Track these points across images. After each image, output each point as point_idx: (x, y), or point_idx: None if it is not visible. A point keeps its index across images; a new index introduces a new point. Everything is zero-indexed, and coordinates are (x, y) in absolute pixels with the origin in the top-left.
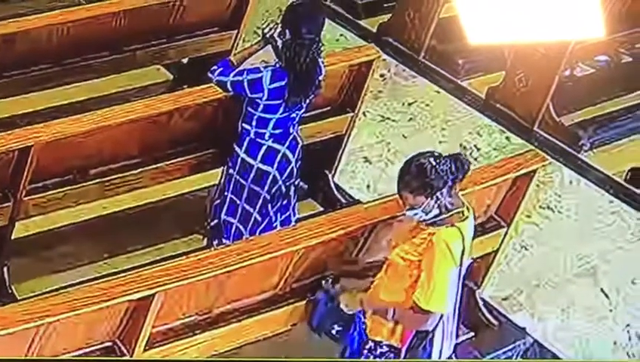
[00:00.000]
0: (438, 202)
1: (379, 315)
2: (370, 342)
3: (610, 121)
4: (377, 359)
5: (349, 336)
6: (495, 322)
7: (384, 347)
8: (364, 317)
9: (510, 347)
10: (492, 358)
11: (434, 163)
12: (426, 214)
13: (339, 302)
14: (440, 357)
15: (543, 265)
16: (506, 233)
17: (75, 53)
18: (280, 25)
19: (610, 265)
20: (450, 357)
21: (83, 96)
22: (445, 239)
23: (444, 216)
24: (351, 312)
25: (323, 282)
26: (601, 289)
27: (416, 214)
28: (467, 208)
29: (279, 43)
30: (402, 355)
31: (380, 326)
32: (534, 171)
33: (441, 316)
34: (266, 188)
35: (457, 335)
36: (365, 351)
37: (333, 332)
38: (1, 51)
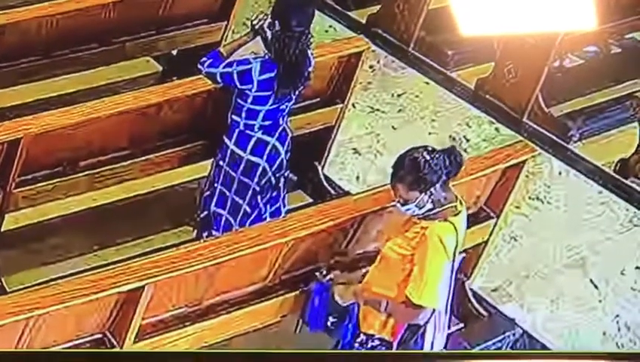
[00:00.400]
0: (432, 197)
1: (371, 307)
2: (362, 334)
3: (599, 112)
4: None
5: (344, 328)
6: (484, 313)
7: (376, 340)
8: (358, 310)
9: (500, 338)
10: (482, 349)
11: (428, 157)
12: (420, 209)
13: (333, 294)
14: (432, 348)
15: (533, 256)
16: (496, 224)
17: (64, 45)
18: (269, 16)
19: (600, 255)
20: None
21: (72, 88)
22: (439, 233)
23: (438, 210)
24: (345, 304)
25: (317, 274)
26: (591, 280)
27: (409, 209)
28: (460, 202)
29: (268, 34)
30: (394, 349)
31: (372, 319)
32: (524, 162)
33: (434, 310)
34: (256, 179)
35: (449, 327)
36: (357, 344)
37: (328, 324)
38: None
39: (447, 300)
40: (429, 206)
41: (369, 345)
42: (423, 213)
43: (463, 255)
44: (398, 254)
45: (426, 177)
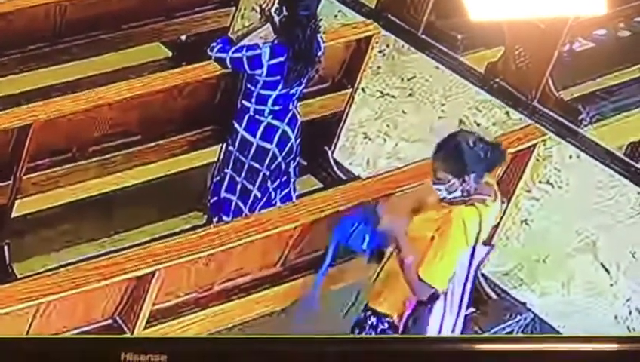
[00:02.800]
0: (464, 185)
1: (398, 256)
2: (372, 317)
3: (609, 95)
4: (377, 335)
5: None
6: (496, 297)
7: (385, 323)
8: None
9: (511, 322)
10: (493, 334)
11: (472, 144)
12: (449, 193)
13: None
14: (440, 332)
15: (544, 240)
16: (506, 208)
17: (72, 31)
18: (277, 1)
19: (611, 239)
20: None
21: (81, 75)
22: (463, 216)
23: (466, 198)
24: (385, 230)
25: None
26: (602, 264)
27: (439, 190)
28: (493, 198)
29: (276, 19)
30: (400, 326)
31: (384, 297)
32: (534, 146)
33: (442, 292)
34: (266, 164)
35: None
36: (367, 327)
37: (364, 246)
38: (0, 30)
39: (465, 289)
40: (458, 193)
41: (379, 329)
42: (450, 198)
43: (490, 247)
44: (421, 233)
45: (464, 163)
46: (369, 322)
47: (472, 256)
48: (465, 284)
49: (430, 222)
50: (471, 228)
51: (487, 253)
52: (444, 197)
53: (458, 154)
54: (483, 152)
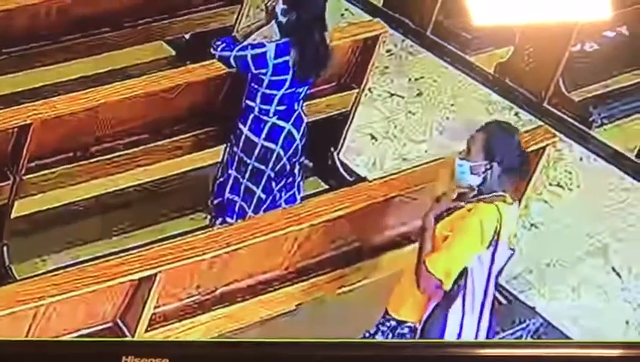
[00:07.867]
0: (487, 173)
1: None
2: (392, 321)
3: (621, 97)
4: (396, 339)
5: None
6: (504, 301)
7: (406, 328)
8: None
9: (520, 327)
10: (501, 338)
11: (517, 144)
12: (471, 173)
13: None
14: (460, 335)
15: (554, 243)
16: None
17: (75, 29)
18: (284, 2)
19: (622, 243)
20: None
21: (83, 73)
22: (481, 216)
23: (485, 195)
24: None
25: None
26: (613, 268)
27: (461, 166)
28: (512, 198)
29: (282, 18)
30: (419, 329)
31: (404, 302)
32: (544, 148)
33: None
34: (271, 165)
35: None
36: (385, 328)
37: None
38: (0, 28)
39: (487, 291)
40: (478, 180)
41: (397, 332)
42: (468, 182)
43: (512, 253)
44: (442, 234)
45: (499, 150)
46: (387, 324)
47: (494, 256)
48: (487, 286)
49: (450, 222)
50: (487, 227)
51: (509, 259)
52: (462, 180)
53: (501, 139)
54: (521, 157)
